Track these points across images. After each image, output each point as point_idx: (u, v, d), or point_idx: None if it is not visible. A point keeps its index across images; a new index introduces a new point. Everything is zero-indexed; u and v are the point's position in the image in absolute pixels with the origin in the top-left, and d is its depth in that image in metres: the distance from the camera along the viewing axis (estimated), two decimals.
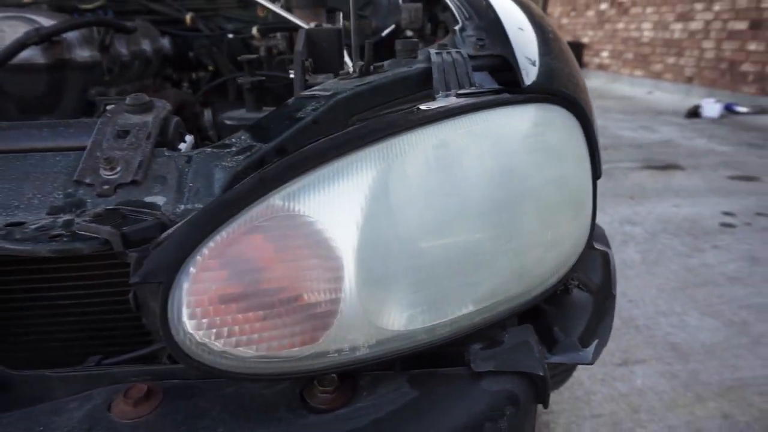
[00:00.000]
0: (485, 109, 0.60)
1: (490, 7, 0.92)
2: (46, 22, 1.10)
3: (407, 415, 0.51)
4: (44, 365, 0.58)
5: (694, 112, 6.16)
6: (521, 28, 0.85)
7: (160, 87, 1.68)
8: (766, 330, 1.94)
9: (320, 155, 0.52)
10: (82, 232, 0.55)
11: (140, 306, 0.52)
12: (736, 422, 1.51)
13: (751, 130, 5.38)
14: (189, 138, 0.77)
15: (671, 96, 7.65)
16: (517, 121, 0.62)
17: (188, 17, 1.76)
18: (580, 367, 1.59)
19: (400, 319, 0.53)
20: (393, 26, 1.61)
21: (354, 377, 0.54)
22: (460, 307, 0.57)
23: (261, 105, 1.03)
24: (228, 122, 0.98)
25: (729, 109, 6.23)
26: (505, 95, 0.63)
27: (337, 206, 0.51)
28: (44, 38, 1.05)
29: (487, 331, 0.59)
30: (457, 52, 0.79)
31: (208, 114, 1.46)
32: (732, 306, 2.11)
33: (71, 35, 1.13)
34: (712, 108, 6.13)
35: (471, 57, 0.78)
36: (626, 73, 9.23)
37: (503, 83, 0.75)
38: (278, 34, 1.72)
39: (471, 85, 0.71)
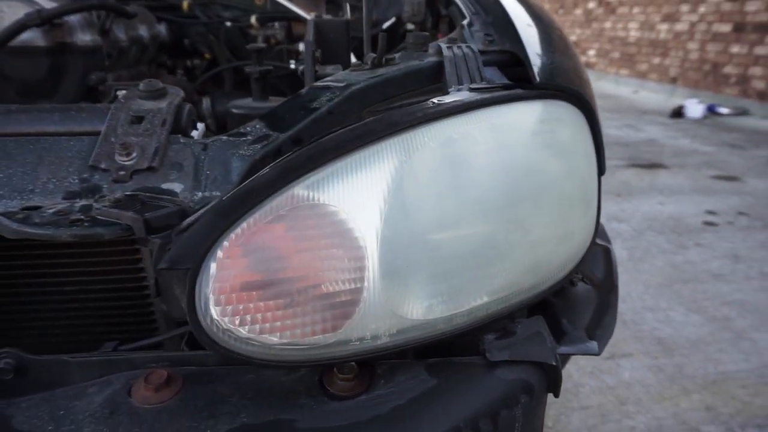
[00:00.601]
0: (500, 103, 0.60)
1: (497, 2, 0.93)
2: (46, 3, 1.08)
3: (426, 402, 0.52)
4: (48, 352, 0.58)
5: (678, 112, 6.27)
6: (529, 24, 0.86)
7: (156, 74, 1.66)
8: (748, 325, 2.00)
9: (342, 146, 0.52)
10: (103, 218, 0.54)
11: (161, 292, 0.52)
12: (719, 414, 1.55)
13: (733, 131, 5.49)
14: (201, 125, 0.77)
15: (656, 96, 7.76)
16: (530, 117, 0.63)
17: (185, 4, 1.73)
18: (569, 360, 1.63)
19: (420, 308, 0.54)
20: (394, 19, 1.61)
21: (372, 365, 0.55)
22: (477, 298, 0.58)
23: (267, 94, 1.03)
24: (235, 111, 0.97)
25: (711, 110, 6.35)
26: (519, 91, 0.64)
27: (359, 196, 0.51)
28: (45, 20, 1.03)
29: (500, 322, 0.61)
30: (467, 46, 0.80)
31: (206, 102, 1.45)
32: (715, 302, 2.16)
33: (72, 18, 1.11)
34: (695, 108, 6.24)
35: (480, 52, 0.79)
36: (612, 72, 9.34)
37: (513, 79, 0.76)
38: (276, 24, 1.71)
39: (482, 79, 0.72)
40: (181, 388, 0.52)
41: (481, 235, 0.57)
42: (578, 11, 10.45)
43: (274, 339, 0.49)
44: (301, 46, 1.72)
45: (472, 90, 0.65)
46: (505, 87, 0.66)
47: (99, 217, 0.55)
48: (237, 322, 0.48)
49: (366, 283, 0.51)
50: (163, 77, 1.58)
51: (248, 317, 0.48)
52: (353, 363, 0.53)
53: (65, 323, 0.66)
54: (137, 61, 1.51)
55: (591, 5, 10.02)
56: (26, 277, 0.64)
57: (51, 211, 0.56)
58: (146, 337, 0.64)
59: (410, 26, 1.54)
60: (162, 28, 1.68)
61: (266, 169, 0.54)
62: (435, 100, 0.60)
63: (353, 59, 1.13)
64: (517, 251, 0.60)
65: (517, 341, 0.59)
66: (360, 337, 0.52)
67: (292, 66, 1.41)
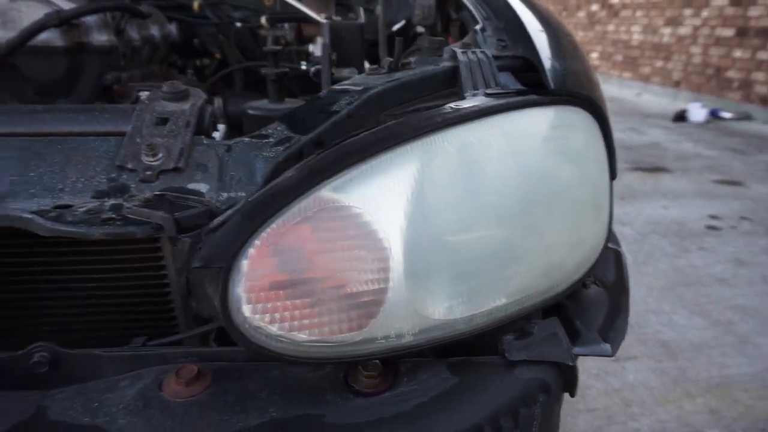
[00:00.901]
0: (516, 109, 0.62)
1: (508, 7, 0.94)
2: (64, 4, 1.09)
3: (448, 400, 0.53)
4: (69, 348, 0.59)
5: (681, 116, 6.29)
6: (540, 30, 0.87)
7: (167, 73, 1.67)
8: (751, 330, 2.01)
9: (366, 149, 0.54)
10: (134, 217, 0.56)
11: (192, 291, 0.54)
12: (722, 417, 1.57)
13: (735, 135, 5.51)
14: (222, 127, 0.79)
15: (659, 99, 7.77)
16: (544, 122, 0.65)
17: (196, 4, 1.75)
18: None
19: (442, 309, 0.55)
20: (404, 21, 1.62)
21: (396, 363, 0.56)
22: (495, 299, 0.59)
23: (283, 96, 1.04)
24: (252, 112, 0.99)
25: (714, 114, 6.37)
26: (534, 96, 0.65)
27: (382, 199, 0.53)
28: (64, 21, 1.04)
29: (518, 323, 0.62)
30: (481, 51, 0.81)
31: (218, 102, 1.46)
32: (718, 306, 2.18)
33: (89, 19, 1.13)
34: (698, 113, 6.25)
35: (494, 57, 0.80)
36: (615, 74, 9.36)
37: (526, 84, 0.77)
38: (286, 25, 1.72)
39: (497, 85, 0.73)
40: (210, 383, 0.53)
41: (496, 238, 0.58)
42: (581, 14, 10.47)
43: (303, 336, 0.51)
44: (311, 47, 1.74)
45: (487, 95, 0.66)
46: (519, 92, 0.67)
47: (130, 216, 0.56)
48: (267, 319, 0.50)
49: (390, 284, 0.52)
50: (174, 77, 1.60)
51: (278, 315, 0.50)
52: (377, 361, 0.55)
53: (85, 319, 0.68)
54: (149, 60, 1.53)
55: (594, 8, 10.03)
56: (48, 274, 0.65)
57: (82, 209, 0.58)
58: (166, 332, 0.66)
59: (420, 29, 1.56)
60: (173, 28, 1.69)
61: (292, 172, 0.55)
62: (453, 105, 0.61)
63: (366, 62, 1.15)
64: (532, 255, 0.61)
65: (535, 342, 0.60)
66: (385, 336, 0.53)
67: (303, 67, 1.43)
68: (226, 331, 0.52)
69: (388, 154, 0.54)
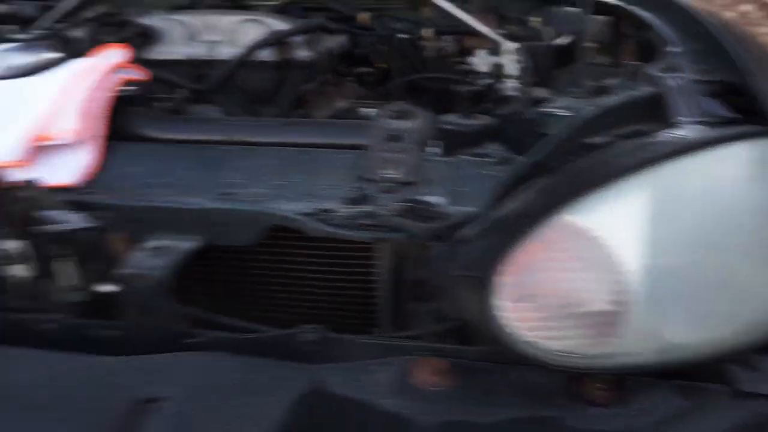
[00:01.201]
0: (740, 139, 0.62)
1: (701, 26, 0.92)
2: (276, 24, 1.25)
3: (680, 420, 0.56)
4: None
5: None
6: (740, 50, 0.84)
7: (337, 82, 1.81)
8: None
9: (602, 176, 0.58)
10: (390, 224, 0.64)
11: (441, 293, 0.61)
12: None
13: None
14: (439, 143, 0.86)
15: None
16: (765, 152, 0.64)
17: (363, 16, 1.87)
18: None
19: (675, 333, 0.58)
20: (572, 37, 1.61)
21: (626, 380, 0.59)
22: (725, 329, 0.60)
23: (473, 112, 1.10)
24: (445, 126, 1.06)
25: None
26: (758, 127, 0.65)
27: (617, 224, 0.56)
28: (279, 40, 1.20)
29: (745, 355, 0.62)
30: (684, 76, 0.80)
31: None
32: None
33: (294, 37, 1.28)
34: None
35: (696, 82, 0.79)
36: None
37: (735, 111, 0.75)
38: (448, 37, 1.78)
39: (706, 112, 0.72)
40: (455, 377, 0.60)
41: (724, 269, 0.59)
42: (730, 15, 9.49)
43: (549, 345, 0.56)
44: (472, 60, 1.78)
45: (703, 124, 0.66)
46: (734, 121, 0.67)
47: (386, 223, 0.65)
48: (518, 327, 0.56)
49: (629, 306, 0.56)
50: (349, 86, 1.73)
51: (526, 324, 0.56)
52: (612, 375, 0.58)
53: (303, 306, 0.78)
54: (325, 70, 1.67)
55: (746, 8, 9.02)
56: (287, 263, 0.76)
57: (341, 214, 0.67)
58: (366, 327, 0.74)
59: (590, 45, 1.53)
60: (344, 40, 1.83)
61: (532, 195, 0.61)
62: (673, 134, 0.63)
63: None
64: (760, 288, 0.61)
65: (766, 376, 0.60)
66: (623, 353, 0.57)
67: (478, 84, 1.48)
68: (460, 331, 0.58)
69: (622, 181, 0.57)
